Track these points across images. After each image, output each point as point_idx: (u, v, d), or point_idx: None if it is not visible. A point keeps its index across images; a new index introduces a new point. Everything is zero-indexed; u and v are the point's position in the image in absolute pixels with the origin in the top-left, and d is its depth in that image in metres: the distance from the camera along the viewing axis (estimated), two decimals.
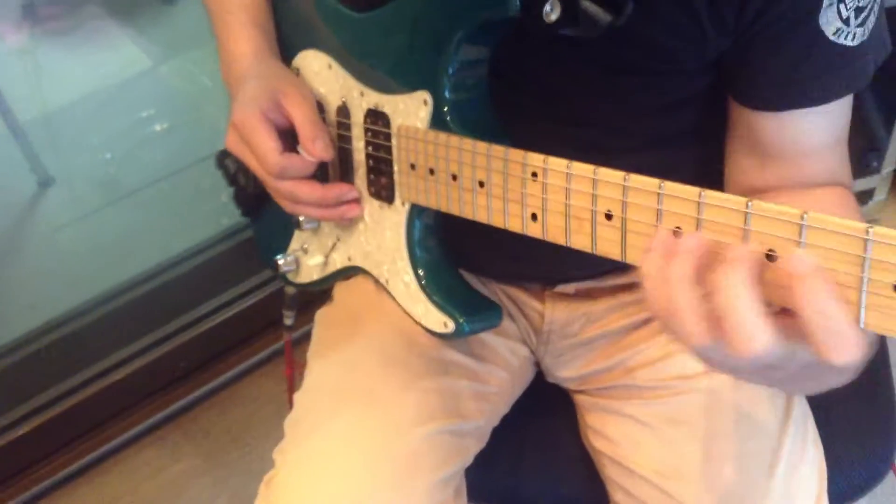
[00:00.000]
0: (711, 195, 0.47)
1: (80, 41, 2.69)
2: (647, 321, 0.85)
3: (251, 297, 1.68)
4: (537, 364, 0.92)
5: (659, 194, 0.50)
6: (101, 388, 1.60)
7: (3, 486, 1.53)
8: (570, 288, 0.85)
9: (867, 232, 0.42)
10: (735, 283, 0.43)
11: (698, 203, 0.48)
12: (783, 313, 0.44)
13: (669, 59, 0.69)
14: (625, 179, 0.52)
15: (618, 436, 0.83)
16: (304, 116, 0.74)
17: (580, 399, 0.89)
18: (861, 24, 0.65)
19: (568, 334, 0.87)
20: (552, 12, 0.62)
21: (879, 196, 1.77)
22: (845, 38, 0.65)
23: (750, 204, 0.45)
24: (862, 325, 0.43)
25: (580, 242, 0.58)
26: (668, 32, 0.67)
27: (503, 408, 0.89)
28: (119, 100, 2.44)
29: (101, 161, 2.25)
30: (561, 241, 0.59)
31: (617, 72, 0.70)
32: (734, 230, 0.46)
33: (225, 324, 1.66)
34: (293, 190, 0.75)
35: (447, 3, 0.67)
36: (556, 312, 0.86)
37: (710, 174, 0.76)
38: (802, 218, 0.44)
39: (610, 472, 0.84)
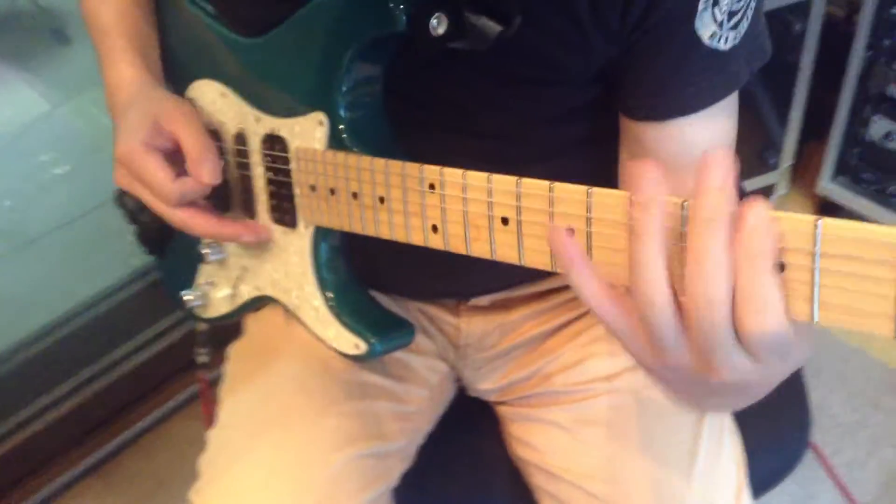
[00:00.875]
0: (599, 192, 0.48)
1: None
2: (561, 327, 0.86)
3: (167, 338, 1.64)
4: (458, 379, 0.92)
5: (550, 196, 0.50)
6: (15, 445, 1.54)
7: None
8: (484, 300, 0.85)
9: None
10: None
11: (587, 202, 0.48)
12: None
13: (558, 69, 0.69)
14: (517, 185, 0.53)
15: (540, 443, 0.83)
16: (188, 136, 0.72)
17: (502, 410, 0.89)
18: (733, 28, 0.66)
19: (485, 346, 0.87)
20: (439, 26, 0.63)
21: (781, 191, 1.83)
22: (718, 42, 0.65)
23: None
24: None
25: (480, 249, 0.58)
26: (556, 43, 0.67)
27: (426, 426, 0.88)
28: (17, 145, 2.38)
29: (1, 209, 2.19)
30: (462, 250, 0.59)
31: (508, 83, 0.71)
32: (621, 225, 0.47)
33: (142, 366, 1.62)
34: (188, 222, 0.74)
35: (334, 23, 0.67)
36: (472, 326, 0.86)
37: (609, 181, 0.77)
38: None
39: (537, 480, 0.84)
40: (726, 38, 0.65)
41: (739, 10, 0.65)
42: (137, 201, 0.83)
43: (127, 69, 0.79)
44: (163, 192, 0.71)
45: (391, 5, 0.62)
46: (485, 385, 0.89)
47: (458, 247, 0.59)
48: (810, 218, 0.42)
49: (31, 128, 2.45)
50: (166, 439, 1.64)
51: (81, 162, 2.27)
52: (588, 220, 0.48)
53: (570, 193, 0.49)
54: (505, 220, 0.55)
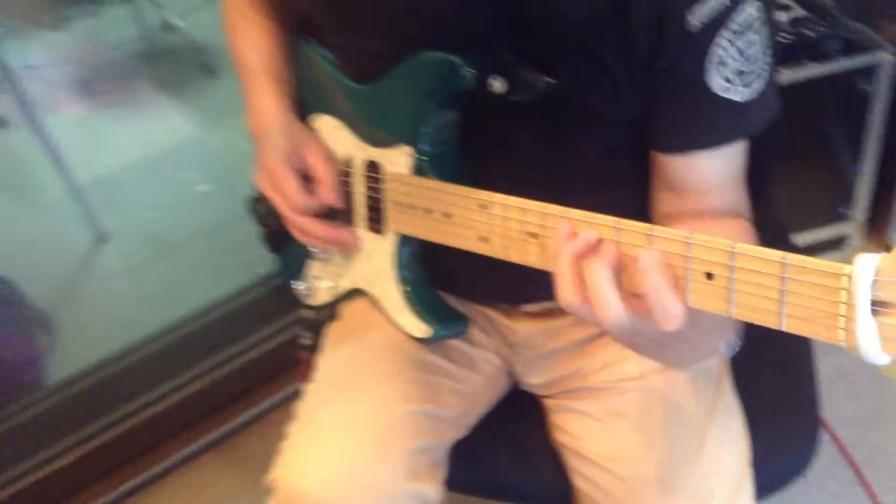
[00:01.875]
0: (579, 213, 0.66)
1: (131, 113, 2.91)
2: (600, 334, 1.01)
3: (284, 334, 1.84)
4: (511, 374, 1.09)
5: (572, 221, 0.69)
6: (148, 418, 1.75)
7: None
8: (533, 307, 1.01)
9: (689, 237, 0.60)
10: (598, 268, 0.61)
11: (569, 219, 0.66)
12: (636, 296, 0.62)
13: (596, 114, 0.84)
14: (542, 208, 0.71)
15: (577, 430, 0.99)
16: (320, 164, 0.94)
17: (547, 402, 1.05)
18: (746, 86, 0.78)
19: (534, 346, 1.03)
20: (500, 87, 0.81)
21: (854, 243, 1.90)
22: (733, 95, 0.78)
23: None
24: (689, 304, 0.61)
25: (516, 257, 0.76)
26: (593, 93, 0.82)
27: (479, 407, 1.05)
28: (166, 164, 2.64)
29: (149, 219, 2.44)
30: (502, 256, 0.77)
31: (557, 125, 0.86)
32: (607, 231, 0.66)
33: (258, 359, 1.82)
34: (308, 225, 0.95)
35: (421, 80, 0.86)
36: (523, 328, 1.03)
37: (640, 211, 0.92)
38: (651, 231, 0.62)
39: (572, 462, 0.99)
40: (740, 93, 0.79)
41: (752, 72, 0.78)
42: (267, 208, 1.04)
43: (269, 101, 0.99)
44: (295, 201, 0.93)
45: (462, 69, 0.81)
46: (533, 379, 1.06)
47: (499, 253, 0.77)
48: (727, 243, 0.58)
49: (179, 149, 2.72)
50: (277, 424, 1.83)
51: (220, 182, 2.51)
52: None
53: (554, 211, 0.67)
54: (534, 235, 0.73)
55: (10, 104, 2.56)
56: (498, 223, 0.76)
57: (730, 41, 0.76)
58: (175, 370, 1.82)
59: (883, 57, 1.67)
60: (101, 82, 3.05)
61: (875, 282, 0.51)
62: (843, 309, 0.53)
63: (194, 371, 1.82)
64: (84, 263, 2.35)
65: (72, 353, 1.99)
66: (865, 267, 0.51)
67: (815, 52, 1.68)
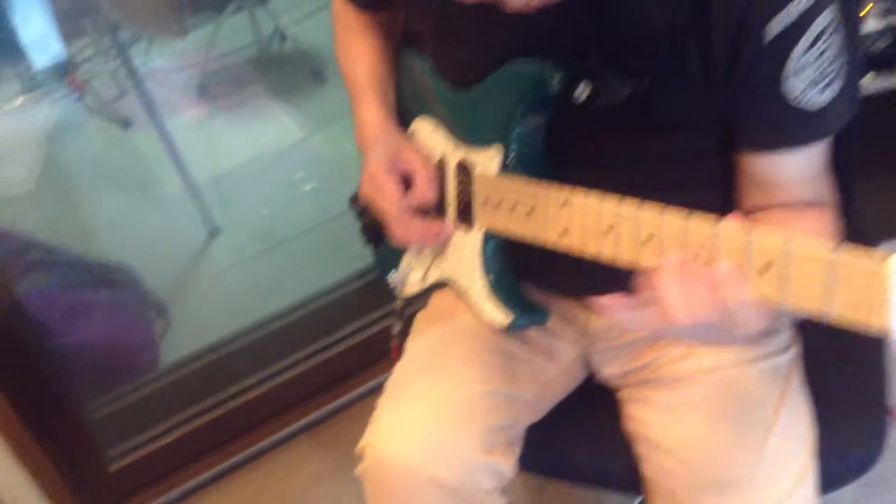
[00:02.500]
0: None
1: (245, 116, 3.08)
2: None
3: (377, 326, 1.93)
4: (588, 365, 1.15)
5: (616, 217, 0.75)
6: (249, 401, 1.87)
7: (171, 476, 1.82)
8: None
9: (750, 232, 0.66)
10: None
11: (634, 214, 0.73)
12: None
13: (678, 118, 0.88)
14: (618, 204, 0.78)
15: (648, 419, 1.04)
16: (420, 166, 1.03)
17: (620, 394, 1.11)
18: (824, 89, 0.81)
19: (609, 338, 1.09)
20: (583, 92, 0.87)
21: None
22: (812, 101, 0.81)
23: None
24: None
25: (592, 250, 0.82)
26: (676, 96, 0.85)
27: (556, 394, 1.12)
28: (276, 164, 2.79)
29: (260, 215, 2.59)
30: (580, 250, 0.84)
31: (640, 128, 0.90)
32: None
33: (354, 347, 1.92)
34: (407, 222, 1.04)
35: (512, 87, 0.93)
36: (599, 320, 1.08)
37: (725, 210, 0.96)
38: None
39: (641, 449, 1.04)
40: (813, 102, 0.81)
41: (830, 75, 0.81)
42: (365, 204, 1.14)
43: (374, 112, 1.10)
44: (392, 201, 1.02)
45: (551, 77, 0.87)
46: (608, 370, 1.11)
47: (578, 247, 0.84)
48: (784, 236, 0.64)
49: (288, 150, 2.86)
50: (368, 411, 1.90)
51: (326, 182, 2.64)
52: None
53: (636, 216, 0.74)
54: (611, 227, 0.79)
55: (135, 106, 2.75)
56: (577, 218, 0.83)
57: (807, 48, 0.79)
58: (275, 357, 1.92)
59: None
60: (216, 86, 3.22)
61: None
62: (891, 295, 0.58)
63: (293, 358, 1.92)
64: (198, 256, 2.51)
65: (183, 339, 2.14)
66: None
67: None
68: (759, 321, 0.72)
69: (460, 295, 1.06)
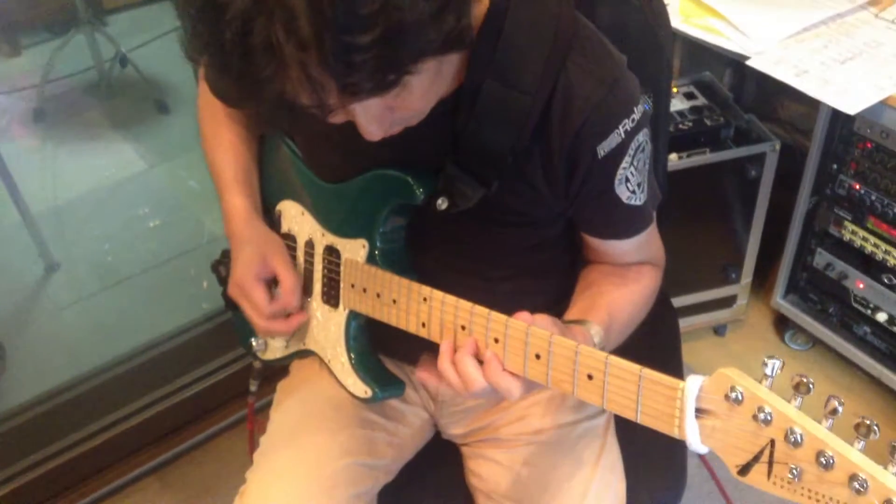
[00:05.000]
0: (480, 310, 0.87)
1: (84, 144, 2.97)
2: None
3: (224, 371, 1.98)
4: (435, 425, 1.28)
5: (485, 323, 0.89)
6: (98, 444, 1.88)
7: None
8: None
9: (578, 349, 0.82)
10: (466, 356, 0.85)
11: (484, 318, 0.87)
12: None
13: (524, 216, 1.02)
14: (472, 307, 0.91)
15: (486, 474, 1.18)
16: (284, 273, 1.11)
17: (464, 450, 1.25)
18: (643, 190, 1.01)
19: (455, 403, 1.23)
20: (442, 204, 0.98)
21: (741, 301, 2.19)
22: (636, 201, 1.00)
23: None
24: (575, 395, 0.82)
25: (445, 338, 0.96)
26: (522, 200, 0.98)
27: (408, 454, 1.24)
28: (117, 197, 2.71)
29: (100, 250, 2.51)
30: (437, 340, 0.96)
31: (489, 225, 1.02)
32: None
33: (202, 391, 1.96)
34: (273, 328, 1.12)
35: (380, 191, 1.03)
36: (446, 389, 1.21)
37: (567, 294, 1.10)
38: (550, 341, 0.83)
39: (480, 501, 1.19)
40: (639, 198, 1.01)
41: (642, 181, 1.00)
42: (228, 271, 1.19)
43: (240, 201, 1.15)
44: (262, 311, 1.10)
45: (414, 189, 0.98)
46: (454, 430, 1.25)
47: (435, 338, 0.96)
48: (604, 355, 0.80)
49: (130, 183, 2.78)
50: (215, 453, 1.94)
51: (169, 218, 2.58)
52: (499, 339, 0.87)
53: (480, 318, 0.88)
54: (463, 328, 0.93)
55: None
56: (436, 314, 0.96)
57: (629, 163, 0.97)
58: (124, 400, 1.94)
59: (769, 147, 1.92)
60: (53, 113, 3.10)
61: (699, 396, 0.73)
62: (677, 412, 0.75)
63: (142, 401, 1.94)
64: (35, 292, 2.42)
65: (23, 381, 2.07)
66: (693, 384, 0.74)
67: (712, 139, 1.95)
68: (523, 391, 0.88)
69: (323, 365, 1.17)
